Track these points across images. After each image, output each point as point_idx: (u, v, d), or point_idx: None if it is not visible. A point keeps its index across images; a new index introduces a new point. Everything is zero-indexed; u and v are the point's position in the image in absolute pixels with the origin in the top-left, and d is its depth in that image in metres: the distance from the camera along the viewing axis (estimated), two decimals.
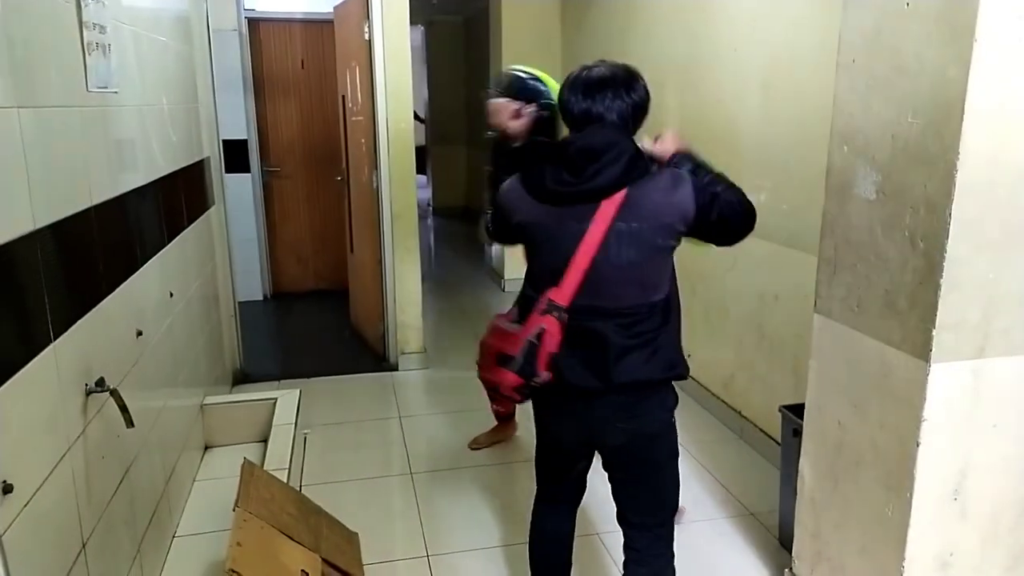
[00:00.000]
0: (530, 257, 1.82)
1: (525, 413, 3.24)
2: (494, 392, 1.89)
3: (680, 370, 1.78)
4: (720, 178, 1.78)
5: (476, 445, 3.41)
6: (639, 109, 1.73)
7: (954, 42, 1.61)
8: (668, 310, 1.75)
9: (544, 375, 1.72)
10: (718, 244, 1.80)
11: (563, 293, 1.68)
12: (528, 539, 2.14)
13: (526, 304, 1.77)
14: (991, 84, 1.59)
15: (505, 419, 3.45)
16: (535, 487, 2.12)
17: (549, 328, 1.69)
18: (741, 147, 3.33)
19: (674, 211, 1.67)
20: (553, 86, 2.54)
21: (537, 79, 2.64)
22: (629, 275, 1.69)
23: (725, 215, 1.71)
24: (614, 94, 1.69)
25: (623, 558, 1.96)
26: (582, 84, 1.71)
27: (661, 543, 1.94)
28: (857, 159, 1.93)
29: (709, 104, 3.60)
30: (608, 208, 1.65)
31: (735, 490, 3.02)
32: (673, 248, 1.74)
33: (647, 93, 1.75)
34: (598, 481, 2.01)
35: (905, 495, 1.85)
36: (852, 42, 1.92)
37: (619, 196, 1.65)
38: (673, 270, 1.79)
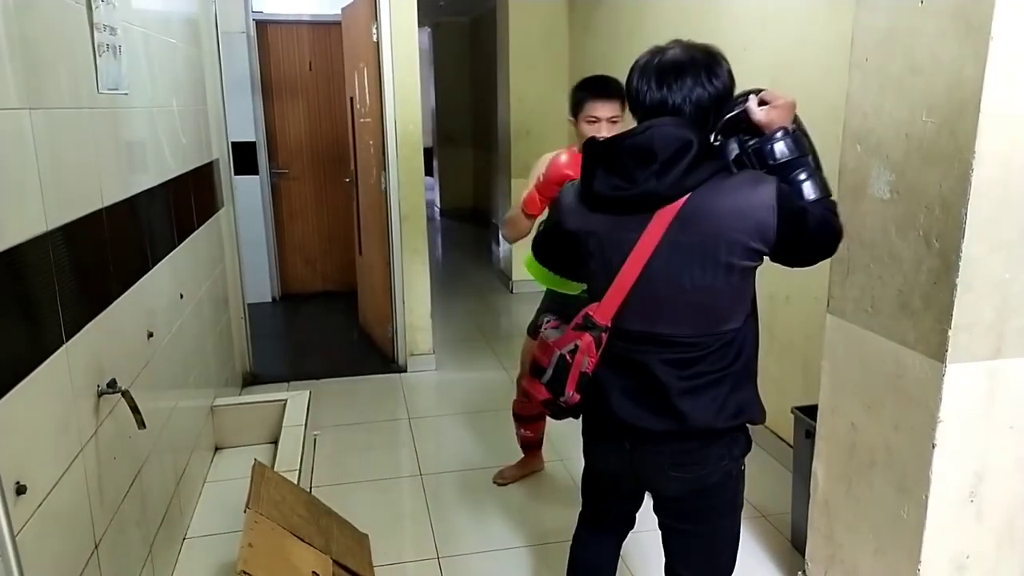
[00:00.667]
0: (584, 273, 1.59)
1: (551, 445, 3.21)
2: (526, 408, 1.80)
3: (752, 414, 1.54)
4: (820, 178, 1.51)
5: (502, 480, 3.10)
6: (721, 99, 1.48)
7: (970, 40, 1.60)
8: (744, 344, 1.50)
9: (572, 395, 1.54)
10: (789, 265, 1.51)
11: (603, 310, 1.49)
12: (566, 571, 1.92)
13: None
14: (1008, 82, 1.58)
15: (531, 448, 3.10)
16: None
17: (583, 346, 1.51)
18: None
19: (747, 224, 1.39)
20: None
21: None
22: (689, 298, 1.44)
23: (812, 235, 1.45)
24: (694, 81, 1.44)
25: None
26: (655, 71, 1.46)
27: None
28: (871, 159, 1.92)
29: None
30: (664, 217, 1.41)
31: (746, 492, 3.00)
32: (750, 269, 1.46)
33: (732, 79, 1.50)
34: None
35: (920, 497, 1.84)
36: (865, 41, 1.91)
37: (679, 203, 1.40)
38: (754, 297, 1.53)
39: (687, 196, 1.41)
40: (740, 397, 1.51)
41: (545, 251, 1.71)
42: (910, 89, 1.77)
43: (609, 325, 1.50)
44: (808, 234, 1.44)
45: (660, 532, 1.72)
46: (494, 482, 3.11)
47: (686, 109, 1.45)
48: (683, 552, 1.71)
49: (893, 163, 1.84)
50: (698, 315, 1.46)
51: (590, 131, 2.34)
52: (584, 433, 1.70)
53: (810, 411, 2.36)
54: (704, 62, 1.46)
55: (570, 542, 2.73)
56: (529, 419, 2.98)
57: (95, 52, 1.96)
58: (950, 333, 1.72)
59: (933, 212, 1.73)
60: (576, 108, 2.43)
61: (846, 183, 2.02)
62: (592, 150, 1.51)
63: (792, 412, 2.53)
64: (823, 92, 2.78)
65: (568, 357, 1.53)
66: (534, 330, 2.67)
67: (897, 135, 1.82)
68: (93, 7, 1.95)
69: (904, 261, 1.83)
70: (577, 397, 1.55)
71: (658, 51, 1.49)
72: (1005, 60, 1.57)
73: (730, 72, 1.51)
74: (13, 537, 1.23)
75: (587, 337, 1.51)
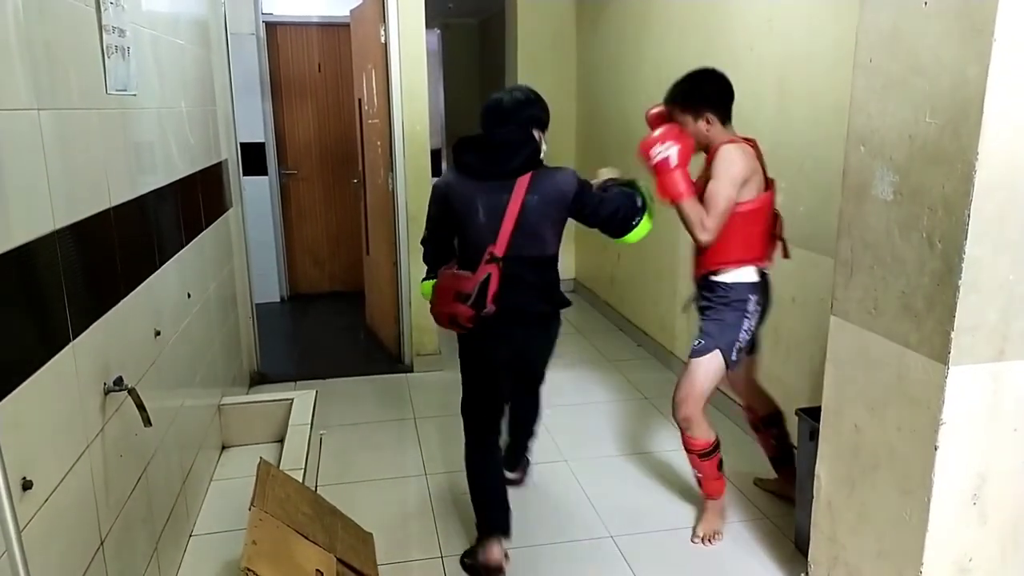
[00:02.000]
0: (465, 227, 2.39)
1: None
2: (451, 322, 2.42)
3: (568, 303, 2.52)
4: (627, 191, 2.50)
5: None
6: (538, 120, 2.42)
7: (973, 41, 1.60)
8: (556, 262, 2.47)
9: (490, 307, 2.33)
10: (606, 233, 2.49)
11: (499, 248, 2.32)
12: (477, 490, 2.59)
13: (467, 260, 2.38)
14: (1011, 83, 1.58)
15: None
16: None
17: (494, 273, 2.32)
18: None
19: (561, 194, 2.36)
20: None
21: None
22: (538, 233, 2.36)
23: (603, 214, 2.43)
24: (528, 107, 2.42)
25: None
26: (501, 104, 2.40)
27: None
28: (874, 160, 1.91)
29: None
30: (521, 184, 2.32)
31: (751, 494, 3.00)
32: (562, 220, 2.41)
33: (544, 110, 2.45)
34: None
35: (923, 499, 1.83)
36: (869, 41, 1.91)
37: (527, 177, 2.33)
38: (560, 236, 2.44)
39: (530, 173, 2.33)
40: (560, 292, 2.50)
41: (435, 236, 2.54)
42: (913, 90, 1.77)
43: (503, 256, 2.32)
44: (602, 211, 2.42)
45: (511, 406, 2.74)
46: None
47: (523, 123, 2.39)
48: (528, 401, 2.89)
49: (896, 164, 1.84)
50: (543, 244, 2.39)
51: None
52: (474, 338, 2.46)
53: (815, 412, 2.36)
54: (534, 99, 2.44)
55: (573, 542, 2.74)
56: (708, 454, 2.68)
57: (104, 53, 1.98)
58: (953, 335, 1.71)
59: (936, 213, 1.73)
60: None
61: (850, 184, 2.02)
62: (467, 143, 2.41)
63: (796, 413, 2.52)
64: (829, 92, 2.78)
65: (485, 282, 2.32)
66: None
67: (900, 136, 1.82)
68: (102, 9, 1.97)
69: (907, 263, 1.83)
70: (494, 307, 2.33)
71: (507, 91, 2.44)
72: (1008, 61, 1.56)
73: (542, 106, 2.46)
74: (19, 532, 1.25)
75: (494, 266, 2.33)
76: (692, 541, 2.69)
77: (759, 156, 2.54)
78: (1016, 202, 1.66)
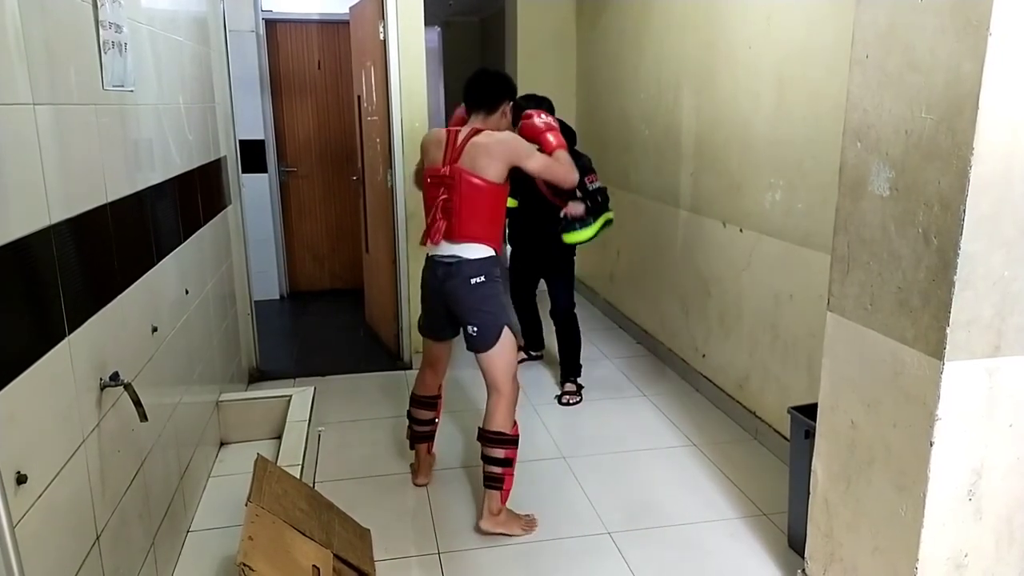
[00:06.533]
0: None
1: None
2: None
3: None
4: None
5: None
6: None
7: (968, 36, 1.59)
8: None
9: None
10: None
11: None
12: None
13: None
14: (1006, 78, 1.57)
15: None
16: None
17: None
18: (756, 145, 3.31)
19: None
20: None
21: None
22: None
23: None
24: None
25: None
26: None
27: None
28: (870, 155, 1.91)
29: (724, 101, 3.58)
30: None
31: (748, 491, 3.00)
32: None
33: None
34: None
35: (918, 495, 1.83)
36: (865, 37, 1.91)
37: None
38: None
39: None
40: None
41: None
42: (909, 85, 1.76)
43: None
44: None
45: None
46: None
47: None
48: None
49: (892, 160, 1.84)
50: None
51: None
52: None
53: (808, 410, 2.36)
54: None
55: (570, 539, 2.74)
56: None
57: (100, 49, 1.98)
58: (948, 331, 1.71)
59: (932, 209, 1.73)
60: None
61: (846, 180, 2.02)
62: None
63: (789, 412, 2.52)
64: (828, 89, 2.78)
65: None
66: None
67: (896, 132, 1.82)
68: (99, 5, 1.97)
69: (903, 258, 1.83)
70: None
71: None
72: (1003, 56, 1.56)
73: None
74: (12, 526, 1.25)
75: None
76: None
77: (455, 141, 2.74)
78: (1011, 198, 1.66)
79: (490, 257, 2.70)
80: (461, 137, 2.67)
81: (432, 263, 2.76)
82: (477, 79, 2.79)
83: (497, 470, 2.69)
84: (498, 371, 2.69)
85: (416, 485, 3.08)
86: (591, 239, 3.54)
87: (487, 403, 2.73)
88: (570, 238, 3.50)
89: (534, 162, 2.65)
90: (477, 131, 2.67)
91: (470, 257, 2.67)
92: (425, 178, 2.75)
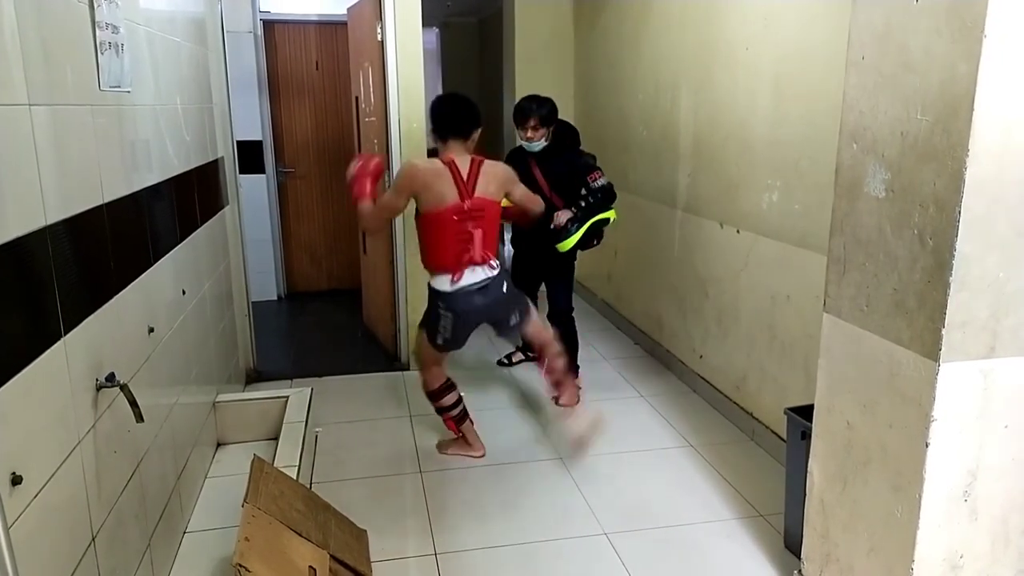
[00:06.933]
0: None
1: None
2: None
3: None
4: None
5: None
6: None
7: (963, 38, 1.60)
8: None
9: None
10: None
11: None
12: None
13: None
14: (1001, 80, 1.58)
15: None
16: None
17: None
18: (753, 146, 3.32)
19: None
20: None
21: None
22: None
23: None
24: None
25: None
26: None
27: None
28: (866, 157, 1.92)
29: (722, 102, 3.59)
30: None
31: (745, 492, 3.00)
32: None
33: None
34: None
35: (914, 496, 1.84)
36: (861, 39, 1.91)
37: None
38: None
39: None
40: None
41: None
42: (904, 87, 1.77)
43: None
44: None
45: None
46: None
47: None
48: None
49: (888, 161, 1.84)
50: None
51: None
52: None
53: (804, 411, 2.36)
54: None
55: (567, 539, 2.75)
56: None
57: (97, 50, 1.98)
58: (944, 332, 1.71)
59: (927, 210, 1.73)
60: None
61: (842, 181, 2.02)
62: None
63: (785, 413, 2.52)
64: (825, 90, 2.78)
65: None
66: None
67: (892, 133, 1.82)
68: (95, 5, 1.97)
69: (899, 259, 1.83)
70: None
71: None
72: (998, 58, 1.56)
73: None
74: (7, 528, 1.25)
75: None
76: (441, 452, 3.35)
77: (460, 174, 2.90)
78: (1005, 199, 1.66)
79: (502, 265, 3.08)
80: (467, 169, 2.90)
81: (462, 295, 2.95)
82: (456, 110, 2.97)
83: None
84: (539, 325, 3.24)
85: (478, 457, 3.31)
86: (578, 244, 3.66)
87: (548, 350, 3.23)
88: (558, 247, 3.66)
89: (519, 190, 3.11)
90: (480, 160, 2.94)
91: (497, 273, 2.99)
92: (449, 216, 2.87)
